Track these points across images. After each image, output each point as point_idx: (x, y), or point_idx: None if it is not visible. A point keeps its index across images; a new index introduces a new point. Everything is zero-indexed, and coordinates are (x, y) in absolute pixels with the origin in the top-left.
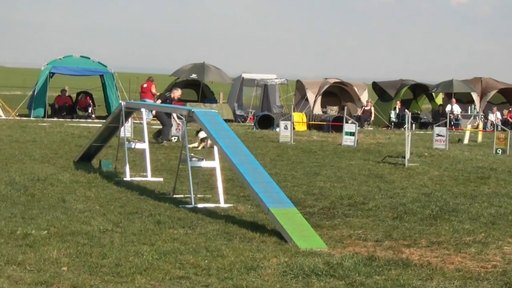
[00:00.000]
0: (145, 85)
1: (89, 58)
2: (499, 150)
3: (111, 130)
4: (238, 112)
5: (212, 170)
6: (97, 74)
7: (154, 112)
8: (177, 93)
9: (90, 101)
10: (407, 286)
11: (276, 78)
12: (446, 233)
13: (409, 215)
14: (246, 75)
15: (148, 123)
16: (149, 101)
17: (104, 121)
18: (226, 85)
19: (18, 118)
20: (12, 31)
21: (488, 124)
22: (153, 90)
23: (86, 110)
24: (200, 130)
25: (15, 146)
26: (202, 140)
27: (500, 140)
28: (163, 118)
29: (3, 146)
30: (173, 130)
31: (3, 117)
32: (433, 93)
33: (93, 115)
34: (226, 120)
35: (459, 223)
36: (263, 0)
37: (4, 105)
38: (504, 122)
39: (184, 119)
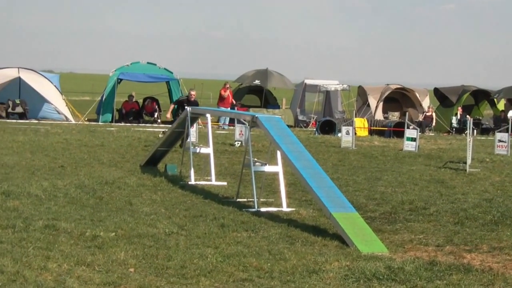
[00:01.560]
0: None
1: (155, 65)
2: None
3: (177, 135)
4: (300, 118)
5: (275, 174)
6: (163, 80)
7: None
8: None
9: (156, 107)
10: (467, 286)
11: (338, 84)
12: (508, 239)
13: (470, 221)
14: (308, 81)
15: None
16: (223, 108)
17: (170, 126)
18: (289, 91)
19: (87, 122)
20: (81, 39)
21: None
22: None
23: (152, 115)
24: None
25: (84, 150)
26: None
27: None
28: None
29: (73, 150)
30: (237, 135)
31: (73, 121)
32: (495, 99)
33: (159, 120)
34: (289, 126)
35: None
36: (325, 7)
37: (73, 110)
38: None
39: (247, 124)
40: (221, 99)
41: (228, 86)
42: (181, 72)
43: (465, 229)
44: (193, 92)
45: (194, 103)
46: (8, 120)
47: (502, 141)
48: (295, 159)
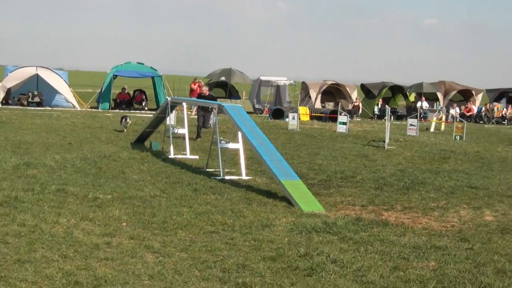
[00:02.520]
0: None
1: (143, 64)
2: (457, 137)
3: (160, 119)
4: (256, 106)
5: (237, 150)
6: (150, 76)
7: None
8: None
9: (144, 97)
10: (386, 240)
11: (286, 80)
12: (416, 200)
13: (387, 186)
14: (263, 78)
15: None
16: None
17: (154, 112)
18: (248, 85)
19: (90, 109)
20: (86, 43)
21: (449, 117)
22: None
23: (141, 104)
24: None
25: (87, 131)
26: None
27: (458, 129)
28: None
29: (79, 131)
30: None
31: (78, 108)
32: (407, 93)
33: (146, 108)
34: (247, 112)
35: (426, 192)
36: (277, 17)
37: (79, 100)
38: (461, 115)
39: (214, 111)
40: (192, 91)
41: (197, 80)
42: (164, 69)
43: (384, 193)
44: (204, 88)
45: (210, 98)
46: (28, 108)
47: (413, 125)
48: (252, 138)
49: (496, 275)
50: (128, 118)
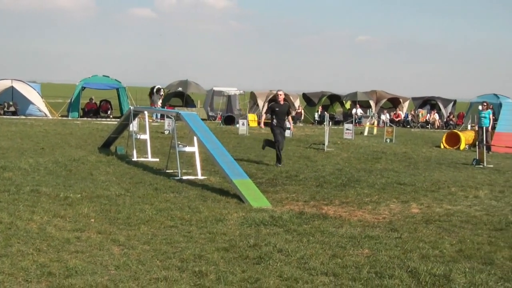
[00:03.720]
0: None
1: (108, 77)
2: (387, 139)
3: (124, 126)
4: (210, 114)
5: (193, 153)
6: (114, 87)
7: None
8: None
9: (109, 106)
10: (325, 231)
11: (236, 90)
12: (352, 196)
13: (327, 184)
14: (216, 88)
15: (153, 122)
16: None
17: (118, 120)
18: (202, 95)
19: (60, 118)
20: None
21: (380, 122)
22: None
23: (106, 112)
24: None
25: (58, 137)
26: None
27: (388, 132)
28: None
29: (50, 137)
30: (166, 126)
31: (50, 117)
32: (344, 101)
33: (111, 116)
34: (202, 119)
35: (360, 189)
36: (229, 34)
37: (51, 109)
38: (391, 120)
39: (173, 118)
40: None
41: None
42: (127, 81)
43: (324, 189)
44: (280, 92)
45: (284, 106)
46: (4, 117)
47: (349, 130)
48: (207, 142)
49: (421, 260)
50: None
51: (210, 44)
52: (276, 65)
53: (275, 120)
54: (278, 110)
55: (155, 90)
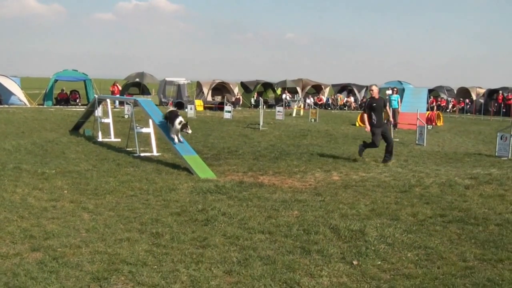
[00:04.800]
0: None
1: (77, 71)
2: (312, 120)
3: (90, 112)
4: (163, 100)
5: (149, 134)
6: (82, 79)
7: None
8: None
9: (78, 96)
10: (261, 197)
11: (185, 80)
12: (283, 167)
13: (262, 157)
14: (168, 79)
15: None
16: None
17: (86, 107)
18: (156, 85)
19: (37, 106)
20: (33, 56)
21: (306, 105)
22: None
23: (75, 101)
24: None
25: (36, 122)
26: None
27: (313, 114)
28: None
29: (29, 122)
30: (126, 111)
31: (29, 106)
32: (275, 88)
33: (80, 104)
34: (156, 105)
35: (290, 161)
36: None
37: (29, 99)
38: (315, 104)
39: (131, 105)
40: (112, 92)
41: (115, 83)
42: (93, 74)
43: (259, 162)
44: (374, 88)
45: (380, 100)
46: None
47: (280, 112)
48: (160, 125)
49: (341, 218)
50: (187, 127)
51: (163, 42)
52: (218, 58)
53: (374, 117)
54: (375, 105)
55: None
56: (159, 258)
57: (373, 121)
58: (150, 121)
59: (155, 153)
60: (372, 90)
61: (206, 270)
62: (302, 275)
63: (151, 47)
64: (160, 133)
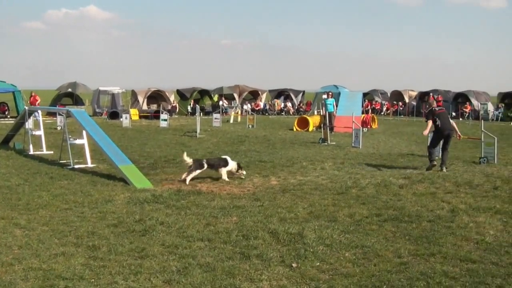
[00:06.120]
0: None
1: (5, 82)
2: (250, 125)
3: (20, 124)
4: (97, 110)
5: (82, 145)
6: (11, 91)
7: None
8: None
9: (6, 108)
10: (200, 204)
11: (119, 89)
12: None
13: None
14: (101, 88)
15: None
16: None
17: (15, 119)
18: (89, 94)
19: None
20: None
21: (243, 111)
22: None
23: (4, 113)
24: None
25: None
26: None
27: (250, 119)
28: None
29: None
30: (58, 122)
31: None
32: (212, 94)
33: (9, 116)
34: (90, 115)
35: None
36: (110, 41)
37: None
38: (252, 109)
39: (64, 115)
40: (31, 103)
41: (33, 94)
42: (21, 86)
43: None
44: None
45: (441, 110)
46: None
47: (217, 119)
48: (94, 135)
49: (280, 222)
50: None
51: (95, 51)
52: (153, 66)
53: (439, 123)
54: (439, 113)
55: None
56: (96, 271)
57: (438, 126)
58: (84, 132)
59: (89, 165)
60: (430, 98)
61: (145, 280)
62: (242, 280)
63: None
64: (94, 144)
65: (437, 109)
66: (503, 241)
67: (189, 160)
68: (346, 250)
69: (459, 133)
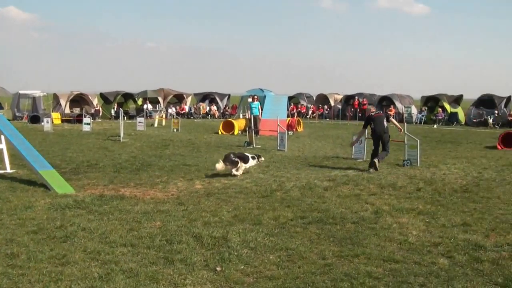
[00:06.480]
0: None
1: None
2: (174, 129)
3: None
4: (17, 114)
5: (1, 150)
6: None
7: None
8: None
9: None
10: (123, 209)
11: (40, 92)
12: (145, 178)
13: (123, 169)
14: (21, 91)
15: None
16: None
17: None
18: (9, 98)
19: None
20: None
21: (168, 115)
22: None
23: None
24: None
25: None
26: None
27: (175, 123)
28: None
29: None
30: None
31: None
32: (136, 98)
33: None
34: (9, 120)
35: (152, 171)
36: (31, 44)
37: None
38: (177, 113)
39: None
40: None
41: None
42: None
43: (121, 174)
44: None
45: (377, 114)
46: None
47: (141, 122)
48: (13, 140)
49: (204, 226)
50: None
51: (15, 53)
52: (76, 69)
53: (373, 126)
54: (374, 117)
55: None
56: (14, 279)
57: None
58: (2, 137)
59: (8, 170)
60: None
61: None
62: (166, 285)
63: (2, 59)
64: (13, 148)
65: (373, 114)
66: (425, 241)
67: (219, 165)
68: (271, 252)
69: (399, 126)
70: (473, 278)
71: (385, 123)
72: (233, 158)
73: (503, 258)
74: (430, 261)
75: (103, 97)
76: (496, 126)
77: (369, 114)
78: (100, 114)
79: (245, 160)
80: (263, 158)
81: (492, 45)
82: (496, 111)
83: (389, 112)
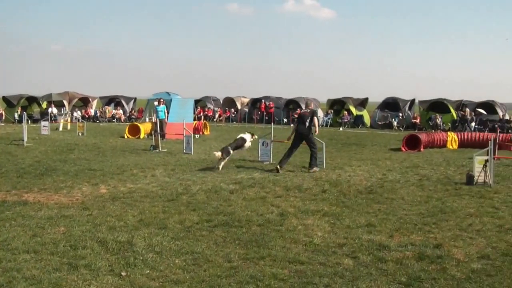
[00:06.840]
0: None
1: None
2: (80, 133)
3: None
4: None
5: None
6: None
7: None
8: None
9: None
10: (26, 215)
11: None
12: (49, 183)
13: (27, 174)
14: None
15: None
16: None
17: None
18: None
19: None
20: None
21: (74, 118)
22: None
23: None
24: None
25: None
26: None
27: (80, 127)
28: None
29: None
30: None
31: None
32: (40, 101)
33: None
34: None
35: (57, 176)
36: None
37: None
38: (83, 117)
39: None
40: None
41: None
42: None
43: (24, 179)
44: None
45: (304, 112)
46: None
47: (45, 126)
48: None
49: (109, 231)
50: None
51: None
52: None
53: (296, 124)
54: (298, 115)
55: None
56: None
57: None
58: None
59: None
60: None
61: None
62: None
63: None
64: None
65: (301, 112)
66: (330, 242)
67: (218, 154)
68: (176, 256)
69: (317, 129)
70: (377, 277)
71: (307, 123)
72: (229, 149)
73: (407, 257)
74: (335, 262)
75: (6, 100)
76: (401, 129)
77: (299, 114)
78: (3, 118)
79: (244, 141)
80: (255, 136)
81: (392, 49)
82: (400, 114)
83: (295, 115)
